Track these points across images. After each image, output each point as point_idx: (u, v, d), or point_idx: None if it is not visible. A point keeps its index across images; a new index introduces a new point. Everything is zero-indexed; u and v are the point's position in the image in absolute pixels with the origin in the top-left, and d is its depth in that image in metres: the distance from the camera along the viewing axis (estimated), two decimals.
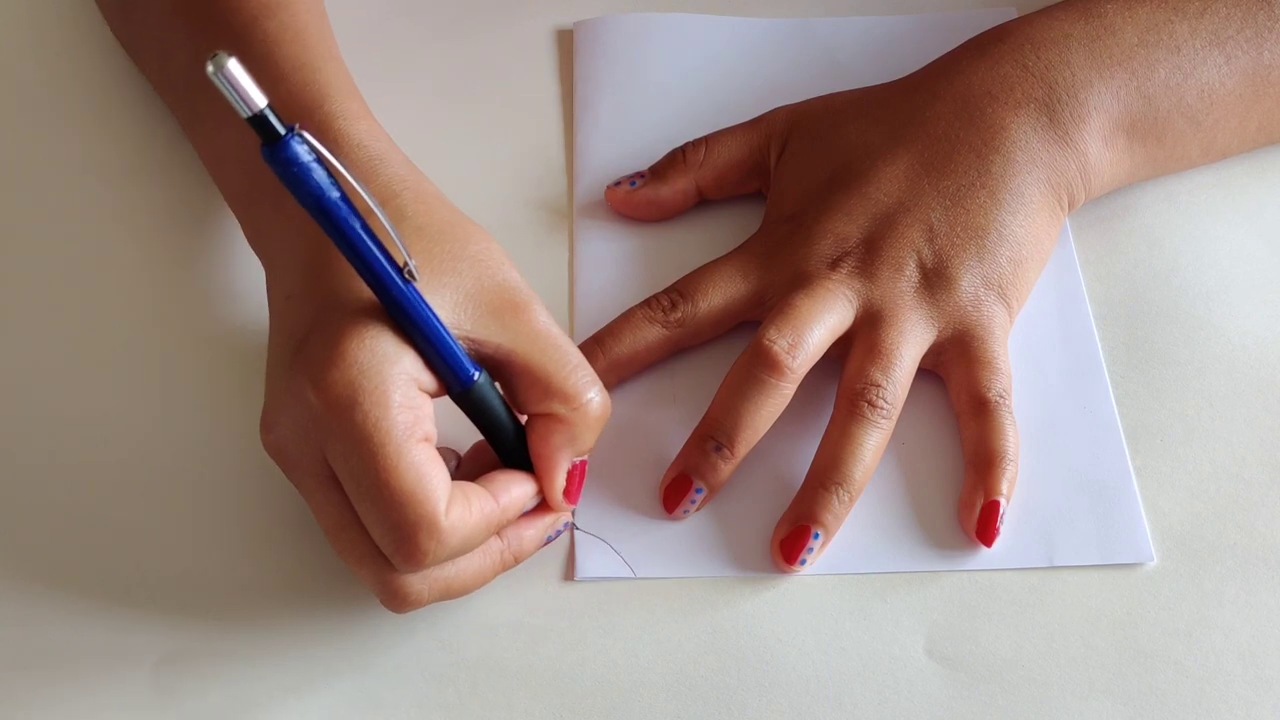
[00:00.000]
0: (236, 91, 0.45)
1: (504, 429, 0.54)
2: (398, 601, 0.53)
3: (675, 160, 0.67)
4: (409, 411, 0.50)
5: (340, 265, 0.52)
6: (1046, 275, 0.65)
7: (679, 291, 0.62)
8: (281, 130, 0.47)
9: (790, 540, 0.57)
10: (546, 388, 0.53)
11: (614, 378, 0.61)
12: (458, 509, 0.51)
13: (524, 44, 0.74)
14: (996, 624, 0.56)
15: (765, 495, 0.59)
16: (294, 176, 0.48)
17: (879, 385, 0.58)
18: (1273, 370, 0.63)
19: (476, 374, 0.52)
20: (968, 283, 0.60)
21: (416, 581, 0.52)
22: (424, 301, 0.51)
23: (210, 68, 0.45)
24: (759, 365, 0.58)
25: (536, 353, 0.53)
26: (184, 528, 0.59)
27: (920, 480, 0.60)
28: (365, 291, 0.51)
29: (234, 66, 0.45)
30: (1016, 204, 0.62)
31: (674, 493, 0.58)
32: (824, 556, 0.58)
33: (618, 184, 0.67)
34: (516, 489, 0.54)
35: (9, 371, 0.63)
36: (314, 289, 0.53)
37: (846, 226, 0.62)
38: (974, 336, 0.60)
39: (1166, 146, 0.65)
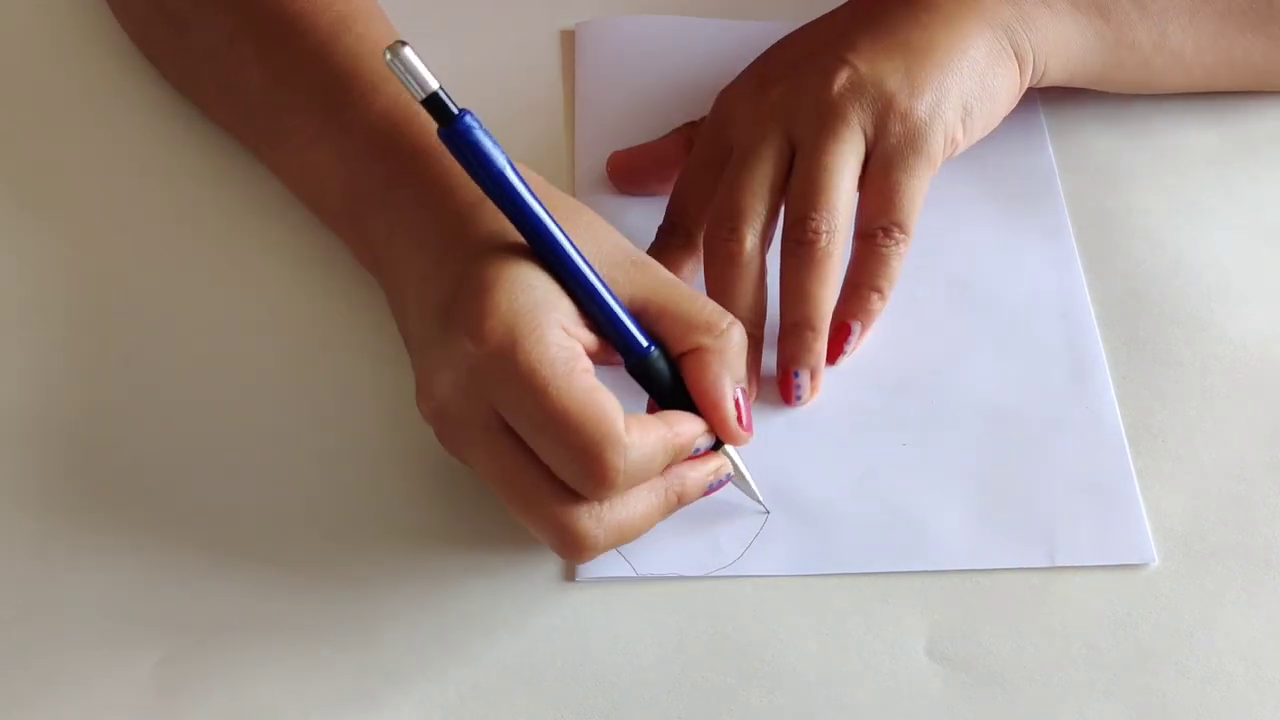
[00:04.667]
0: (412, 77, 0.50)
1: (677, 397, 0.56)
2: (576, 546, 0.53)
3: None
4: (567, 349, 0.52)
5: (478, 233, 0.54)
6: (1048, 275, 0.65)
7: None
8: (455, 109, 0.52)
9: (781, 386, 0.61)
10: (689, 323, 0.55)
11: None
12: (635, 429, 0.52)
13: (528, 45, 0.74)
14: (997, 624, 0.56)
15: (765, 493, 0.59)
16: (472, 152, 0.52)
17: (807, 218, 0.59)
18: (1275, 371, 0.63)
19: (652, 347, 0.55)
20: (896, 83, 0.60)
21: (593, 525, 0.53)
22: (598, 274, 0.54)
23: (388, 56, 0.50)
24: (717, 239, 0.61)
25: (670, 296, 0.55)
26: (184, 527, 0.58)
27: (921, 480, 0.60)
28: (507, 248, 0.54)
29: (409, 54, 0.50)
30: (944, 24, 0.62)
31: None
32: (825, 556, 0.58)
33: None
34: (688, 422, 0.55)
35: (10, 371, 0.63)
36: (451, 259, 0.55)
37: (773, 64, 0.63)
38: (899, 155, 0.60)
39: (1112, 25, 0.65)
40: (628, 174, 0.68)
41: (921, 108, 0.60)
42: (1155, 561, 0.58)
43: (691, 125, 0.67)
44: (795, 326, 0.60)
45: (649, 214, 0.65)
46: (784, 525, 0.58)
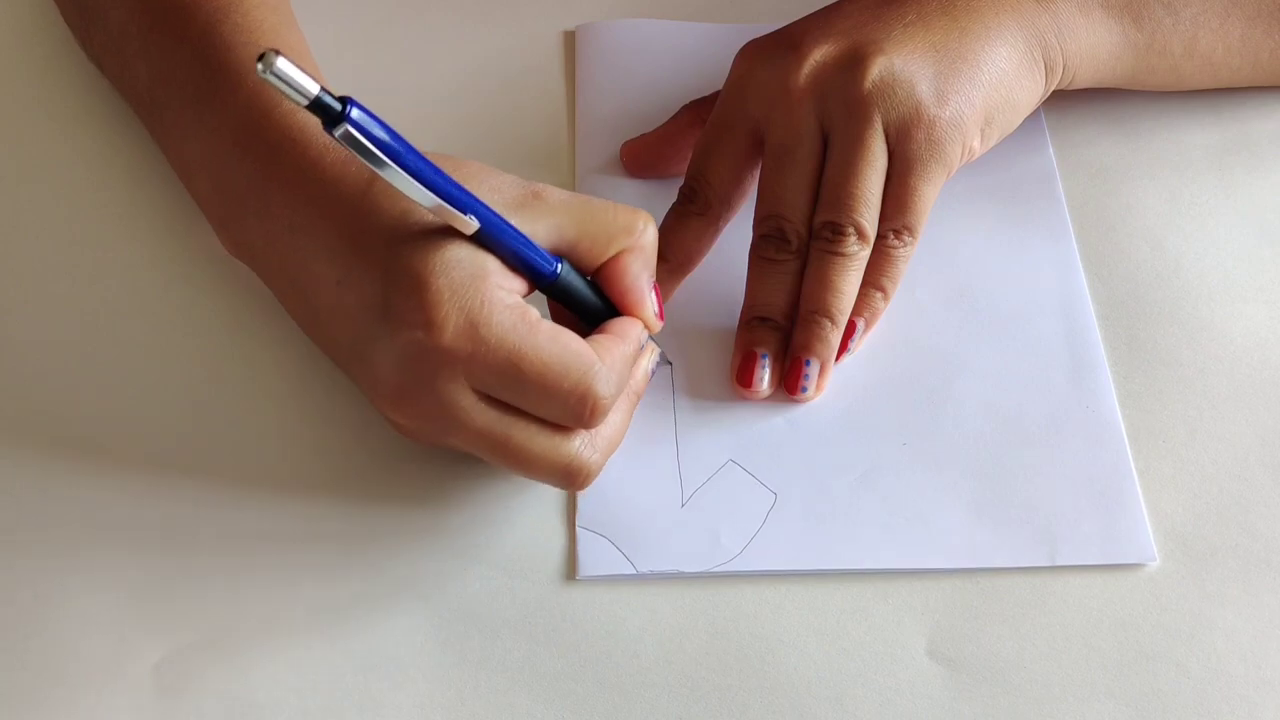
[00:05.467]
0: (290, 86, 0.47)
1: (594, 305, 0.57)
2: (582, 475, 0.55)
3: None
4: (517, 308, 0.53)
5: (382, 222, 0.54)
6: (1048, 275, 0.65)
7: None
8: (339, 108, 0.48)
9: (790, 373, 0.61)
10: (607, 234, 0.57)
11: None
12: (604, 355, 0.54)
13: (530, 47, 0.74)
14: (998, 625, 0.56)
15: (766, 491, 0.59)
16: (371, 143, 0.50)
17: (839, 223, 0.60)
18: (1275, 371, 0.63)
19: (558, 265, 0.55)
20: (925, 90, 0.60)
21: (589, 451, 0.55)
22: (500, 216, 0.53)
23: (260, 68, 0.46)
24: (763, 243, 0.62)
25: (578, 216, 0.56)
26: (183, 526, 0.59)
27: (921, 479, 0.60)
28: (421, 229, 0.53)
29: (283, 64, 0.46)
30: (982, 32, 0.62)
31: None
32: (825, 552, 0.58)
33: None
34: (632, 328, 0.57)
35: (10, 370, 0.63)
36: (365, 258, 0.54)
37: (801, 34, 0.62)
38: (919, 161, 0.60)
39: (1145, 32, 0.65)
40: (642, 159, 0.69)
41: (946, 117, 0.60)
42: (1156, 561, 0.58)
43: (697, 104, 0.68)
44: (813, 315, 0.61)
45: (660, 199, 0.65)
46: (785, 521, 0.58)
